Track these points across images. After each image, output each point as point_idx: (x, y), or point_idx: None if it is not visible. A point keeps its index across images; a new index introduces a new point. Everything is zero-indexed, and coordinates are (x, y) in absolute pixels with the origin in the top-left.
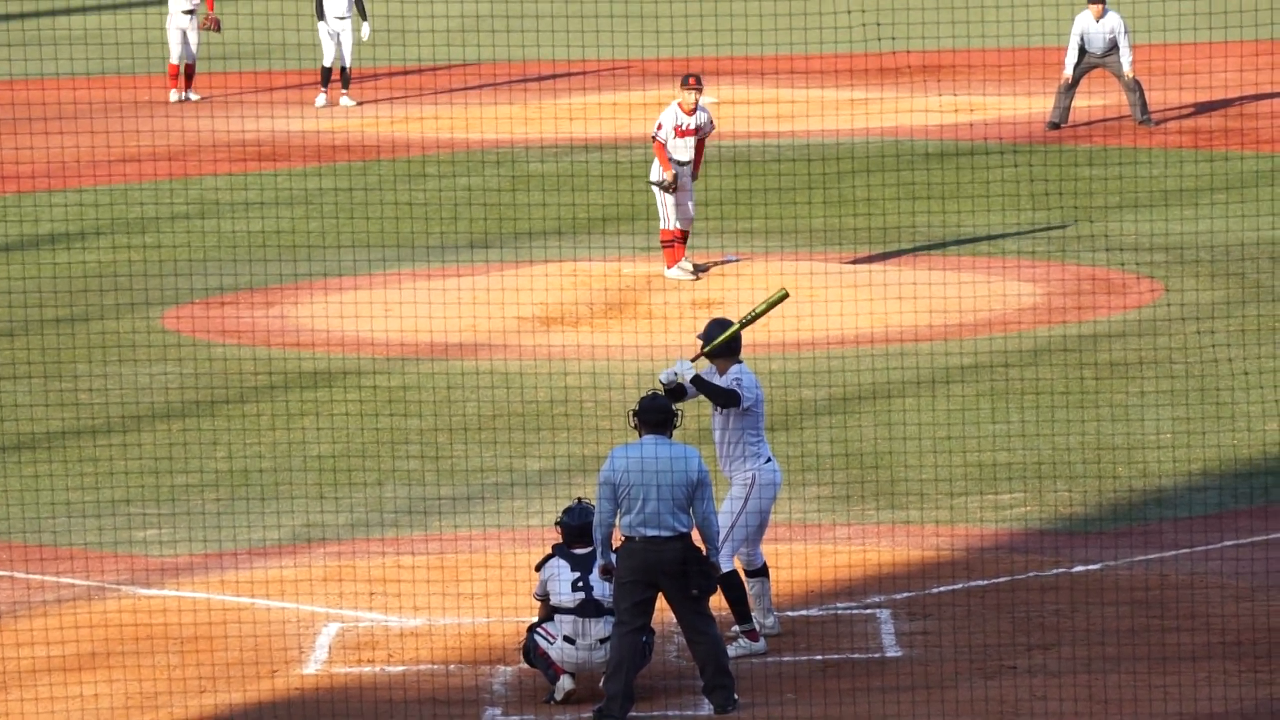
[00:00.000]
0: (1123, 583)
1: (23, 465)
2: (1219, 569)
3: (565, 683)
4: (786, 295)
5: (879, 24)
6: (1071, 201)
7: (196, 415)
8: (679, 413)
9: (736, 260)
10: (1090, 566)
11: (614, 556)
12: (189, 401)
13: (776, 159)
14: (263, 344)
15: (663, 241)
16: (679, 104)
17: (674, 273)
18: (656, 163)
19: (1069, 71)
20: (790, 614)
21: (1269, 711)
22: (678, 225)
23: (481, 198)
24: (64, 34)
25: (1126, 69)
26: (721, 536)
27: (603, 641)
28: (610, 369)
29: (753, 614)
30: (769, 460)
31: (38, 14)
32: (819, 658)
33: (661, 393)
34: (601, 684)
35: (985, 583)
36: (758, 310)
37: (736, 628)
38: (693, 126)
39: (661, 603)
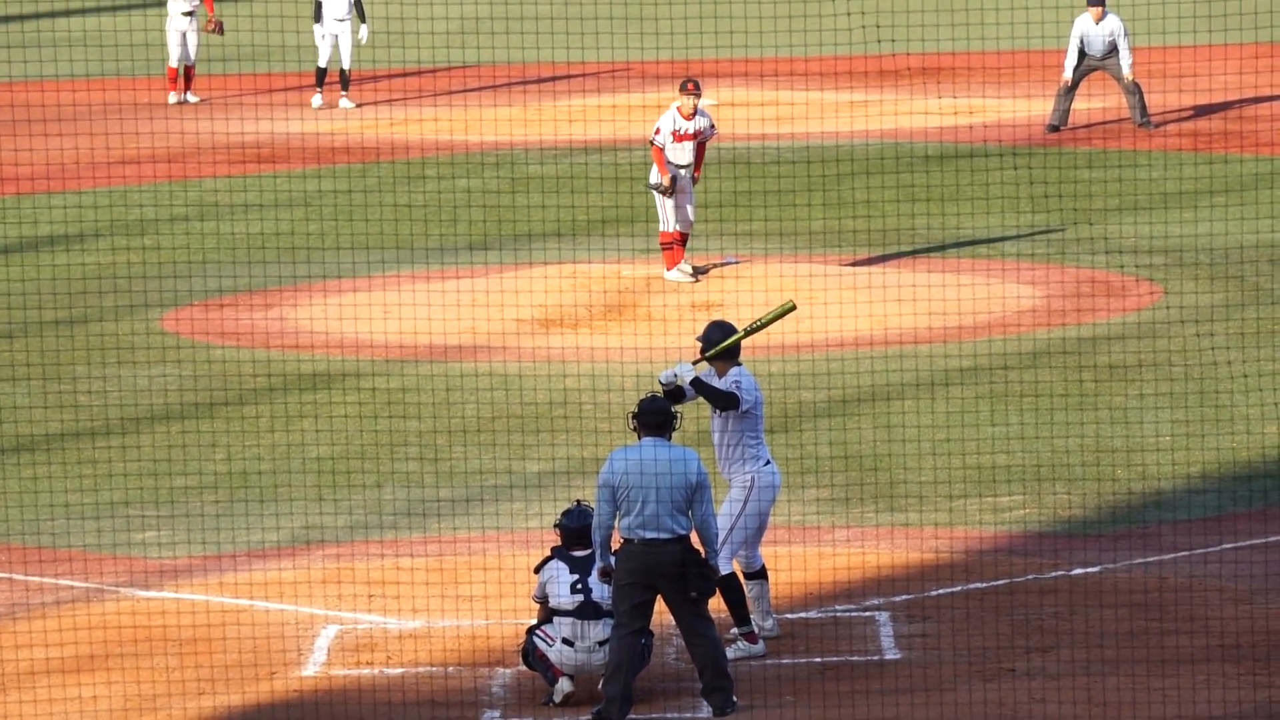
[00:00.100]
0: (1122, 585)
1: (22, 467)
2: (1218, 572)
3: (564, 685)
4: (794, 308)
5: (878, 26)
6: (1071, 204)
7: (195, 417)
8: (678, 415)
9: (736, 262)
10: (1089, 569)
11: (613, 559)
12: (188, 403)
13: (776, 161)
14: (262, 346)
15: (662, 244)
16: (678, 108)
17: (673, 275)
18: (655, 166)
19: (1068, 74)
20: (789, 616)
21: (1267, 714)
22: (677, 228)
23: (481, 200)
24: (63, 36)
25: (1126, 71)
26: (720, 539)
27: (602, 644)
28: (609, 371)
29: (751, 616)
30: (768, 463)
31: (37, 16)
32: (818, 660)
33: (660, 394)
34: (600, 686)
35: (984, 585)
36: (763, 320)
37: (735, 630)
38: (691, 131)
39: (660, 605)
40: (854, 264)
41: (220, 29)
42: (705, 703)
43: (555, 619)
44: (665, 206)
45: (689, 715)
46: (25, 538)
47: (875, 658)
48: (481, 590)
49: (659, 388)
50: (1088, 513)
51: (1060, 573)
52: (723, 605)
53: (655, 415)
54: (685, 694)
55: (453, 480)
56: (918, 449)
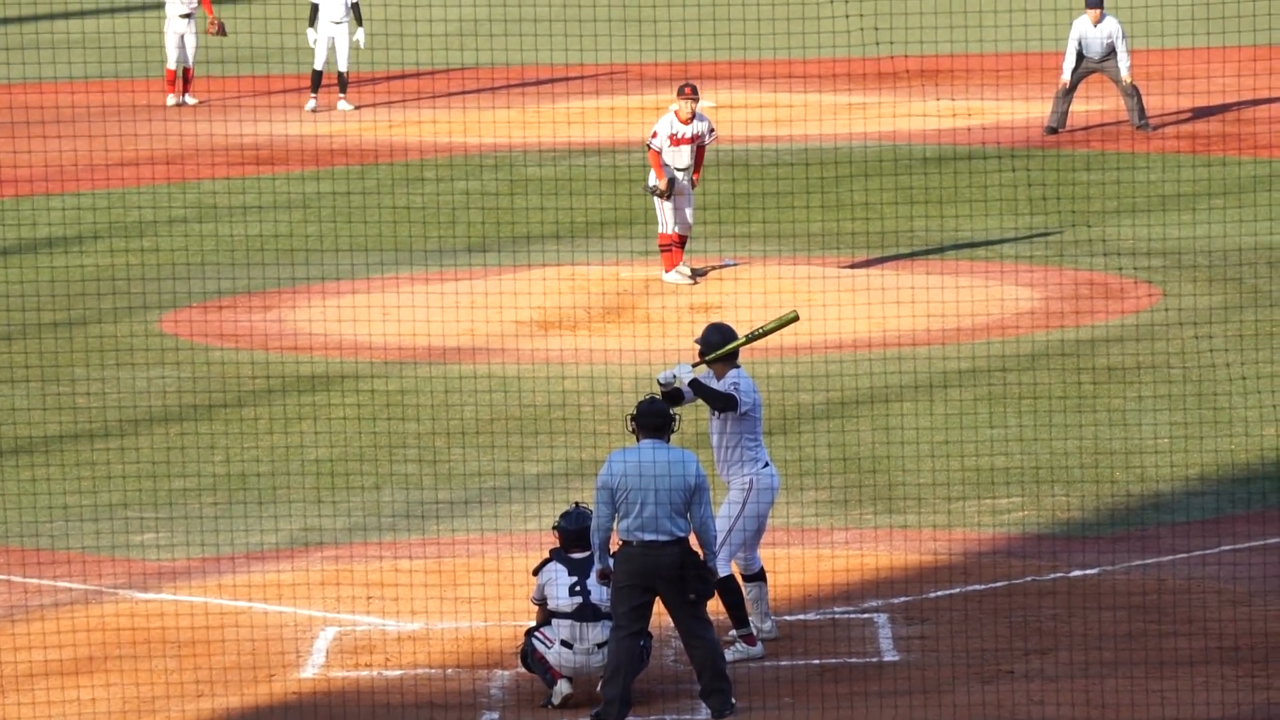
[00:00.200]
0: (1120, 587)
1: (20, 469)
2: (1216, 574)
3: (563, 687)
4: (796, 318)
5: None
6: (1069, 206)
7: (194, 419)
8: (677, 417)
9: (734, 265)
10: (1088, 571)
11: (611, 561)
12: (186, 405)
13: (774, 163)
14: (260, 348)
15: (661, 246)
16: (675, 112)
17: (672, 277)
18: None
19: (1067, 76)
20: (788, 618)
21: (1266, 716)
22: (676, 230)
23: (479, 202)
24: (61, 38)
25: (1124, 74)
26: (719, 541)
27: (600, 646)
28: (608, 373)
29: (750, 618)
30: (767, 465)
31: (35, 18)
32: (816, 662)
33: (659, 394)
34: (599, 688)
35: (983, 587)
36: (766, 328)
37: (734, 632)
38: (689, 135)
39: (659, 607)
40: (852, 266)
41: (222, 30)
42: (704, 705)
43: (554, 621)
44: (664, 209)
45: (687, 717)
46: (24, 540)
47: (874, 660)
48: (480, 592)
49: (658, 389)
50: (1086, 515)
51: (1059, 575)
52: (721, 607)
53: (654, 417)
54: (684, 696)
55: (451, 482)
56: (916, 451)
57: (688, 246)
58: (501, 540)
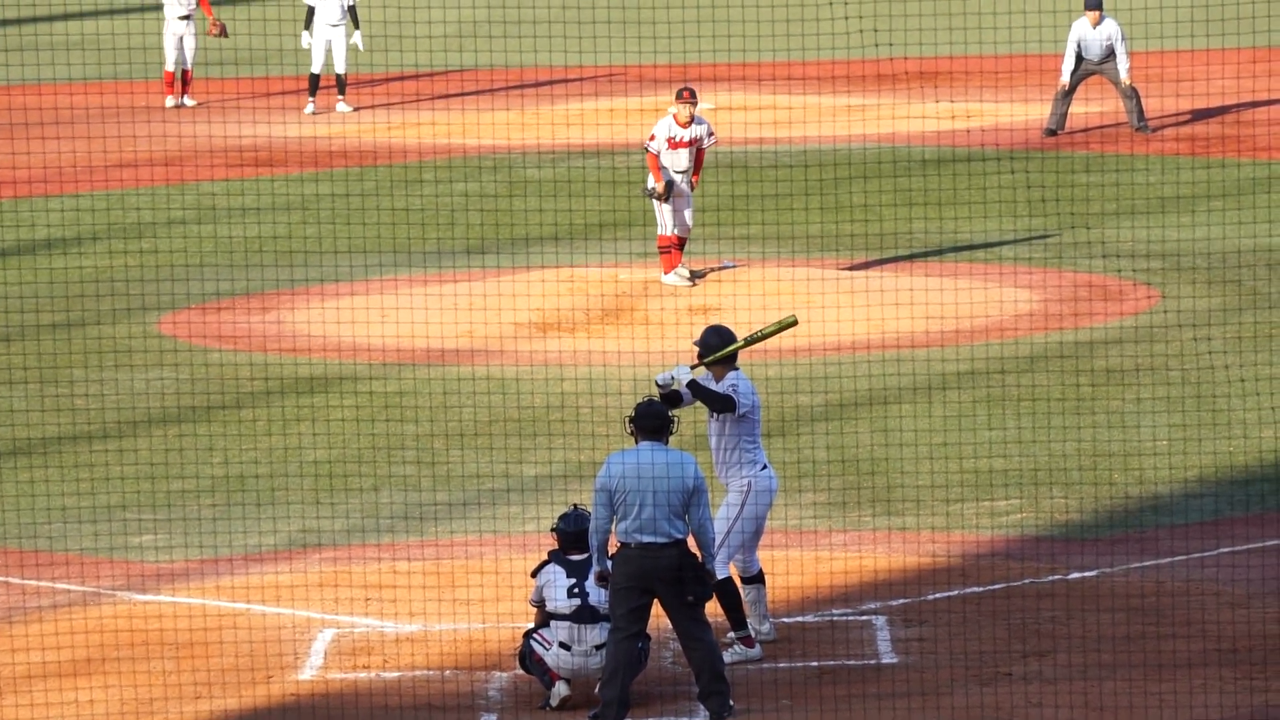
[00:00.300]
0: (1119, 589)
1: (18, 470)
2: (1215, 576)
3: (561, 689)
4: (795, 322)
5: (876, 30)
6: (1068, 208)
7: (192, 420)
8: (676, 419)
9: (733, 266)
10: (1086, 573)
11: (610, 563)
12: (185, 407)
13: (773, 165)
14: (259, 349)
15: (660, 247)
16: (674, 115)
17: (671, 279)
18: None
19: (1066, 78)
20: (786, 620)
21: (1264, 718)
22: (675, 232)
23: (478, 203)
24: (60, 39)
25: (1123, 76)
26: (717, 543)
27: (598, 648)
28: (607, 375)
29: (748, 620)
30: (765, 467)
31: (34, 19)
32: (815, 664)
33: (657, 396)
34: (597, 690)
35: (981, 589)
36: (765, 331)
37: (732, 634)
38: (687, 139)
39: (657, 609)
40: (851, 268)
41: (224, 31)
42: (702, 707)
43: (552, 623)
44: (663, 211)
45: (685, 719)
46: (22, 541)
47: (872, 662)
48: (478, 594)
49: (656, 391)
50: (1085, 517)
51: (1057, 577)
52: (719, 609)
53: (653, 419)
54: (682, 698)
55: (450, 484)
56: (915, 453)
57: (687, 248)
58: (500, 542)
